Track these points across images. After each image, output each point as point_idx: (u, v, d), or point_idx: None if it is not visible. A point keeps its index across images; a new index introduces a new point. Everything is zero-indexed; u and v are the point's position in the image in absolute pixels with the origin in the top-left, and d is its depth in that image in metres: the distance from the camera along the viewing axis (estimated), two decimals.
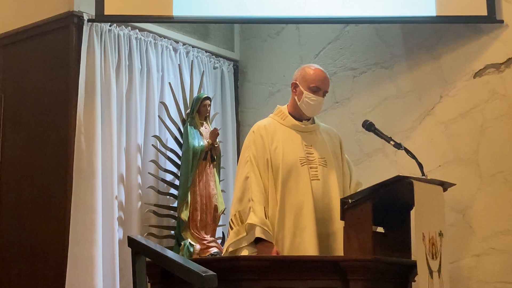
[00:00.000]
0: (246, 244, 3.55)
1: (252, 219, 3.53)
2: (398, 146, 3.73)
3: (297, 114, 3.79)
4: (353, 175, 3.88)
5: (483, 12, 4.29)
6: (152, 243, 3.20)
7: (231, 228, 3.61)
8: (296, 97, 3.76)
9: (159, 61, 4.76)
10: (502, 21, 4.28)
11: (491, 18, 4.29)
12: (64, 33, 4.39)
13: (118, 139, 4.40)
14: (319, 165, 3.70)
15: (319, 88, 3.72)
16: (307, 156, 3.69)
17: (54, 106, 4.39)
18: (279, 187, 3.62)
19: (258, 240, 3.53)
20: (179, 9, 4.39)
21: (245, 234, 3.55)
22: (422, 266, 3.28)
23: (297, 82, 3.76)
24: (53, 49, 4.44)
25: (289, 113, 3.80)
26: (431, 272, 3.32)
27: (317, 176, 3.67)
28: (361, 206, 3.41)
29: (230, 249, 3.60)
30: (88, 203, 4.16)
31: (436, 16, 4.36)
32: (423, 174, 3.59)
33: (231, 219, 3.63)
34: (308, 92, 3.71)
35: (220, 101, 5.17)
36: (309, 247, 3.52)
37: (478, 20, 4.34)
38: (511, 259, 4.09)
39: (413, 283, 3.61)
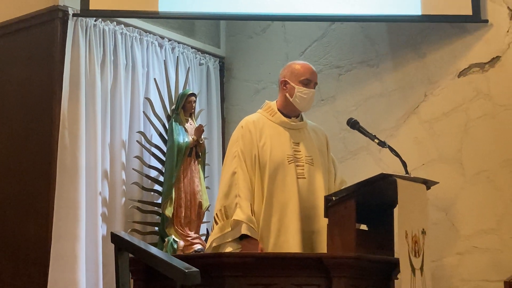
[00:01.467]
0: (230, 240, 3.55)
1: (238, 215, 3.53)
2: (382, 144, 3.74)
3: (287, 111, 3.79)
4: (338, 173, 3.89)
5: (468, 11, 4.32)
6: (135, 239, 3.19)
7: (216, 223, 3.61)
8: (287, 94, 3.75)
9: (144, 56, 4.75)
10: (486, 21, 4.31)
11: (476, 18, 4.31)
12: (49, 27, 4.37)
13: (102, 134, 4.39)
14: (305, 163, 3.71)
15: (310, 80, 3.74)
16: (295, 154, 3.70)
17: (38, 101, 4.36)
18: (266, 184, 3.62)
19: (243, 237, 3.53)
20: (165, 5, 4.38)
21: (230, 229, 3.55)
22: (404, 264, 3.30)
23: (287, 79, 3.76)
24: (38, 43, 4.42)
25: (278, 110, 3.80)
26: (413, 270, 3.34)
27: (304, 175, 3.68)
28: (345, 203, 3.42)
29: (214, 244, 3.59)
30: (71, 199, 4.15)
31: (422, 15, 4.38)
32: (406, 172, 3.61)
33: (216, 213, 3.62)
34: (300, 86, 3.71)
35: (206, 98, 5.17)
36: (293, 245, 3.53)
37: (463, 20, 4.36)
38: (494, 258, 4.12)
39: (395, 280, 3.62)
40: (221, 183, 3.69)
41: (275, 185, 3.62)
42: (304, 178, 3.67)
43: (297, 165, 3.68)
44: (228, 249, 3.55)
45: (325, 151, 3.86)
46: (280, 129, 3.74)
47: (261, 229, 3.58)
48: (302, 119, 3.85)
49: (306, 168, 3.69)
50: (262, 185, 3.63)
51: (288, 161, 3.66)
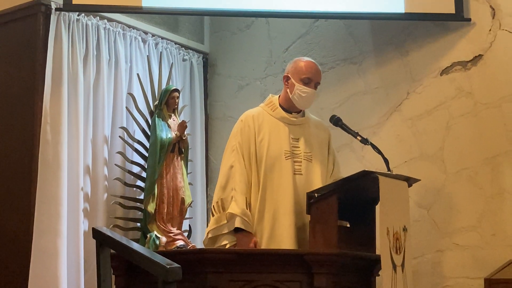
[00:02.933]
0: (226, 232, 3.60)
1: (233, 208, 3.58)
2: (364, 141, 3.75)
3: (288, 107, 3.80)
4: (335, 170, 3.86)
5: (451, 10, 4.34)
6: (117, 235, 3.18)
7: (212, 215, 3.67)
8: (288, 90, 3.77)
9: (127, 52, 4.73)
10: (469, 19, 4.33)
11: (459, 16, 4.34)
12: (31, 22, 4.33)
13: (85, 130, 4.37)
14: (303, 159, 3.72)
15: (311, 79, 3.74)
16: (293, 150, 3.71)
17: (20, 95, 4.34)
18: (261, 179, 3.66)
19: (237, 230, 3.58)
20: (149, 0, 4.37)
21: (225, 222, 3.60)
22: (386, 260, 3.31)
23: (289, 75, 3.77)
24: (20, 38, 4.38)
25: (280, 105, 3.81)
26: (394, 267, 3.36)
27: (301, 171, 3.70)
28: (327, 200, 3.44)
29: (210, 236, 3.66)
30: (53, 194, 4.12)
31: (405, 13, 4.39)
32: (388, 169, 3.62)
33: (213, 205, 3.68)
34: (299, 84, 3.72)
35: (189, 94, 5.15)
36: (287, 240, 3.56)
37: (446, 18, 4.38)
38: (474, 255, 4.15)
39: (377, 277, 3.64)
40: (219, 176, 3.74)
41: (270, 180, 3.65)
42: (301, 174, 3.69)
43: (295, 161, 3.69)
44: (224, 242, 3.61)
45: (325, 148, 3.87)
46: (280, 125, 3.76)
47: (256, 223, 3.61)
48: (303, 115, 3.85)
49: (303, 164, 3.71)
50: (258, 179, 3.66)
51: (285, 157, 3.68)
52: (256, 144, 3.70)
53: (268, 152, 3.68)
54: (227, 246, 3.59)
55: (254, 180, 3.66)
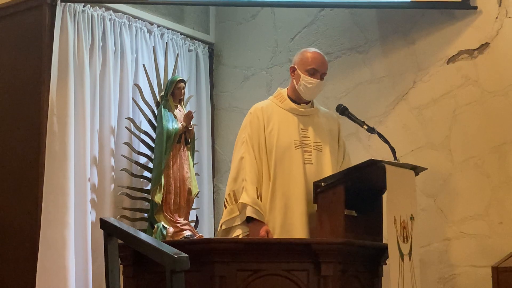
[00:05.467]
0: (239, 223, 3.63)
1: (244, 198, 3.60)
2: (371, 130, 3.75)
3: (296, 97, 3.81)
4: (346, 161, 3.87)
5: None
6: (125, 225, 3.19)
7: (225, 207, 3.69)
8: (294, 81, 3.78)
9: (133, 43, 4.73)
10: (476, 7, 4.31)
11: (465, 4, 4.31)
12: (37, 13, 4.34)
13: (91, 121, 4.37)
14: (313, 149, 3.73)
15: (316, 70, 3.74)
16: (302, 140, 3.72)
17: (26, 87, 4.34)
18: (272, 169, 3.67)
19: (249, 220, 3.59)
20: None
21: (238, 213, 3.63)
22: (393, 249, 3.32)
23: (295, 66, 3.79)
24: (26, 29, 4.39)
25: (288, 96, 3.82)
26: (402, 256, 3.36)
27: (311, 160, 3.71)
28: (334, 189, 3.45)
29: (224, 227, 3.68)
30: (60, 185, 4.14)
31: (411, 1, 4.38)
32: (395, 158, 3.62)
33: (226, 198, 3.71)
34: (305, 75, 3.73)
35: (195, 84, 5.15)
36: (299, 228, 3.58)
37: (453, 6, 4.36)
38: (481, 244, 4.15)
39: (384, 266, 3.65)
40: (231, 169, 3.77)
41: (281, 170, 3.67)
42: (311, 163, 3.70)
43: (305, 151, 3.71)
44: (237, 232, 3.64)
45: (335, 139, 3.87)
46: (289, 115, 3.77)
47: (267, 212, 3.63)
48: (312, 106, 3.86)
49: (313, 154, 3.72)
50: (269, 170, 3.68)
51: (295, 146, 3.70)
52: (266, 135, 3.72)
53: (278, 142, 3.69)
54: (240, 237, 3.60)
55: (265, 171, 3.68)
